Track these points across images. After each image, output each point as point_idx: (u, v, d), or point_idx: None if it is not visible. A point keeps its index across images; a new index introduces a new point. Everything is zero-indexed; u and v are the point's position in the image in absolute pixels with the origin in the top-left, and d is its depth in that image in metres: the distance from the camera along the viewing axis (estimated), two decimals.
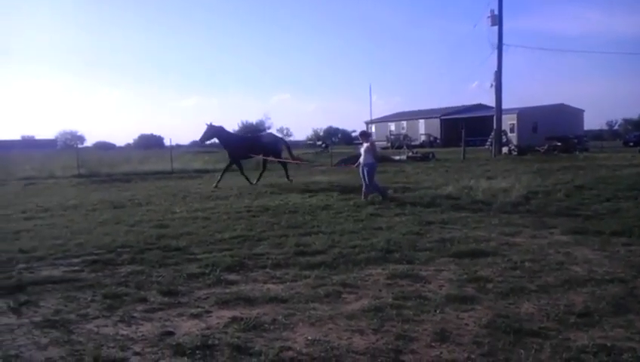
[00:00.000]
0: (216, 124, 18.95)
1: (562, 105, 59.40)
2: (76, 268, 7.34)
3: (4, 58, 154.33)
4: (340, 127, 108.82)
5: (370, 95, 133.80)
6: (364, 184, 13.68)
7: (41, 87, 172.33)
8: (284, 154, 20.58)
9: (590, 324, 4.84)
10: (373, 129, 78.83)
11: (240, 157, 19.17)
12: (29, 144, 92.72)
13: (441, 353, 4.34)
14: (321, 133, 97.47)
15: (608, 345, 4.36)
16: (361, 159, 13.71)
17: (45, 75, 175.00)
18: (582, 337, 4.54)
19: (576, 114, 60.61)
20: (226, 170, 19.40)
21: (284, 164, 20.00)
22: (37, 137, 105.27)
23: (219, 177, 18.86)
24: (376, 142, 67.83)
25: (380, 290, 6.00)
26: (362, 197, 13.49)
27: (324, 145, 58.78)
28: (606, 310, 5.18)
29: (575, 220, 9.98)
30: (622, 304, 5.35)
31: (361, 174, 13.79)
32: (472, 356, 4.26)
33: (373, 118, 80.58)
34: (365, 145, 13.83)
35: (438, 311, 5.25)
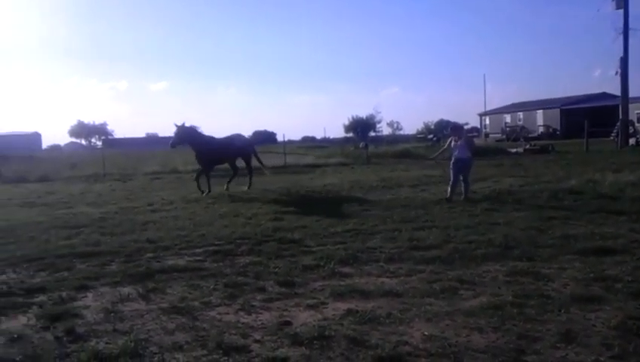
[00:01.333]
0: (188, 124, 16.09)
1: None
2: (199, 257, 7.72)
3: (140, 63, 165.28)
4: (452, 119, 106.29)
5: (485, 86, 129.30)
6: (451, 181, 12.37)
7: (163, 87, 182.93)
8: (252, 160, 17.89)
9: None
10: (488, 121, 76.48)
11: (212, 162, 16.72)
12: (152, 141, 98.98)
13: (567, 354, 4.11)
14: (432, 127, 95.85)
15: None
16: (456, 153, 12.44)
17: (166, 76, 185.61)
18: None
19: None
20: (199, 176, 16.30)
21: (251, 171, 17.65)
22: (160, 135, 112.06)
23: (201, 188, 15.88)
24: (491, 135, 65.80)
25: (499, 288, 5.80)
26: (450, 195, 12.24)
27: (435, 139, 57.68)
28: None
29: None
30: None
31: (452, 170, 12.42)
32: (601, 358, 4.01)
33: (487, 109, 78.03)
34: (458, 141, 12.59)
35: (562, 311, 4.99)
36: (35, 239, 9.44)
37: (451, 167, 12.47)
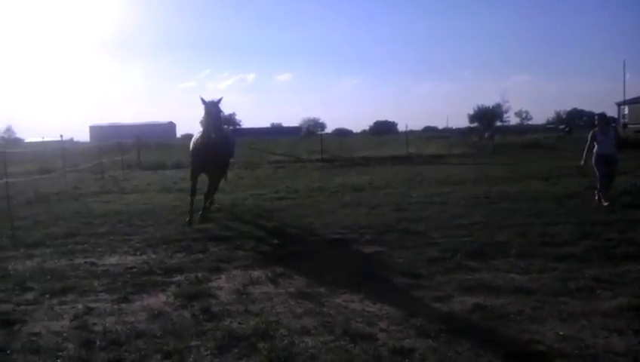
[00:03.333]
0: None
1: None
2: (322, 246, 7.87)
3: (267, 57, 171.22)
4: (586, 109, 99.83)
5: (624, 73, 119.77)
6: (600, 182, 10.57)
7: (288, 78, 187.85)
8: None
9: None
10: (627, 111, 71.00)
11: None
12: (277, 131, 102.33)
13: None
14: (564, 116, 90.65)
15: None
16: (602, 149, 10.65)
17: (290, 68, 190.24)
18: None
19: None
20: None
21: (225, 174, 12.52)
22: (284, 124, 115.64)
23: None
24: (630, 126, 60.87)
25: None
26: (600, 199, 10.48)
27: (567, 129, 54.47)
28: None
29: None
30: None
31: (597, 166, 10.68)
32: None
33: (627, 98, 72.45)
34: (605, 134, 10.78)
35: None
36: (172, 222, 10.09)
37: (595, 163, 10.75)
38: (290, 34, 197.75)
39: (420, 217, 9.65)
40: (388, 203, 11.66)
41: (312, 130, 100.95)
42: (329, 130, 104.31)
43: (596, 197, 10.64)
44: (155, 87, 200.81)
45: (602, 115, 11.30)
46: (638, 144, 30.64)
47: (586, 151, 10.96)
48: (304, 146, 34.06)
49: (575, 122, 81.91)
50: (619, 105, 73.92)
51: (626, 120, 68.63)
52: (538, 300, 5.18)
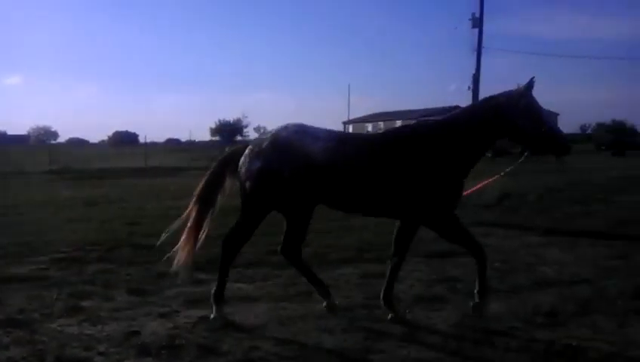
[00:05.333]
0: None
1: None
2: (43, 266, 7.19)
3: None
4: (318, 125, 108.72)
5: (349, 95, 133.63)
6: None
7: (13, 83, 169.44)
8: None
9: (557, 324, 4.90)
10: (351, 129, 79.02)
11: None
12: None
13: (410, 353, 4.33)
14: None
15: (573, 344, 4.40)
16: None
17: (18, 72, 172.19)
18: (548, 337, 4.58)
19: (552, 117, 61.29)
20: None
21: None
22: (9, 133, 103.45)
23: None
24: None
25: (351, 290, 5.99)
26: None
27: None
28: (572, 310, 5.24)
29: (547, 222, 10.10)
30: (587, 304, 5.41)
31: None
32: (440, 355, 4.27)
33: (351, 118, 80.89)
34: None
35: (408, 311, 5.25)
36: None
37: None
38: (20, 33, 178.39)
39: (153, 231, 9.40)
40: (121, 217, 11.17)
41: (41, 139, 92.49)
42: (62, 139, 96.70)
43: None
44: None
45: None
46: None
47: None
48: (31, 157, 30.98)
49: None
50: (345, 123, 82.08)
51: None
52: (261, 307, 5.42)
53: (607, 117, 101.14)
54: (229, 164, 5.13)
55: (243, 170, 4.94)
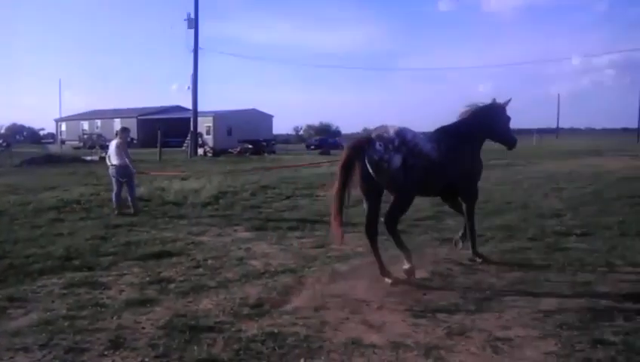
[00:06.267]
0: None
1: (254, 110, 63.00)
2: None
3: None
4: (27, 124, 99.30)
5: (60, 91, 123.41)
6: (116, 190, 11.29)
7: None
8: None
9: (261, 314, 5.18)
10: (64, 127, 73.46)
11: None
12: None
13: (114, 360, 4.19)
14: (2, 131, 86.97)
15: (275, 331, 4.71)
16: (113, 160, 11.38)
17: None
18: (253, 327, 4.83)
19: (267, 119, 65.02)
20: None
21: None
22: None
23: None
24: (68, 142, 62.54)
25: (53, 301, 5.55)
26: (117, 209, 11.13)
27: (4, 144, 52.15)
28: (276, 299, 5.62)
29: (258, 217, 10.69)
30: (291, 292, 5.86)
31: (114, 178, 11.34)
32: (146, 359, 4.21)
33: (64, 115, 74.96)
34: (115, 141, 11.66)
35: (115, 318, 5.06)
36: None
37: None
38: None
39: None
40: None
41: None
42: None
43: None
44: None
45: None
46: (74, 160, 31.98)
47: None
48: None
49: (15, 137, 79.63)
50: (57, 121, 75.73)
51: (64, 136, 70.86)
52: None
53: (316, 119, 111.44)
54: (358, 152, 6.05)
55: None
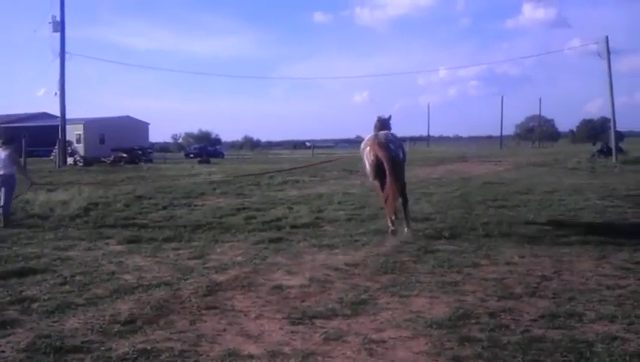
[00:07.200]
0: None
1: (128, 117, 60.51)
2: None
3: None
4: None
5: None
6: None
7: None
8: None
9: (133, 331, 4.93)
10: None
11: None
12: None
13: None
14: None
15: (149, 348, 4.49)
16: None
17: None
18: (124, 345, 4.58)
19: (142, 126, 62.65)
20: None
21: None
22: None
23: None
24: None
25: None
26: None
27: None
28: (150, 314, 5.37)
29: (132, 229, 10.27)
30: (165, 306, 5.65)
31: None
32: None
33: None
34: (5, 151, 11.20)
35: None
36: None
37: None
38: None
39: None
40: None
41: None
42: None
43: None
44: None
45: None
46: None
47: None
48: None
49: None
50: None
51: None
52: None
53: (195, 127, 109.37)
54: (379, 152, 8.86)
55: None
